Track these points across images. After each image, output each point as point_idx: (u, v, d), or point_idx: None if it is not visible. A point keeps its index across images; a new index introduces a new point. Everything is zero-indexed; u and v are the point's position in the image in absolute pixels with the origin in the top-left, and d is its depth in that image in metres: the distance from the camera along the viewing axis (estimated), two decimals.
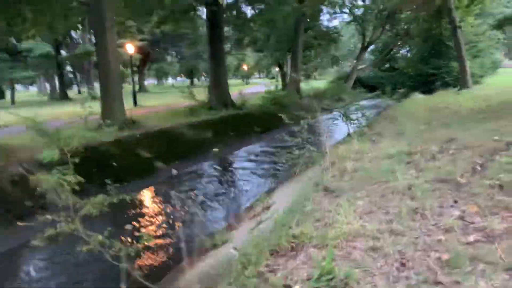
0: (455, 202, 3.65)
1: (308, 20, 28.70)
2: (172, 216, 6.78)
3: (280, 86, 29.93)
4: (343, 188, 4.32)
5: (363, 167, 5.07)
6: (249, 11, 19.29)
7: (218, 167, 10.82)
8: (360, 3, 33.69)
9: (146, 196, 8.59)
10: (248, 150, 12.91)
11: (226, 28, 21.39)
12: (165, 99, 26.25)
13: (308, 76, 78.88)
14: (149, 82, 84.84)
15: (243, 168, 10.60)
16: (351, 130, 10.65)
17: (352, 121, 10.90)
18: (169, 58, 66.72)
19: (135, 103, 20.67)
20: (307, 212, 3.66)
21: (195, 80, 75.30)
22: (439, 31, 21.04)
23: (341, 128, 11.38)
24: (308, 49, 32.33)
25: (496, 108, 9.96)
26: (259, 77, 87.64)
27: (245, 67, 59.40)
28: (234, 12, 17.70)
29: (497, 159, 4.65)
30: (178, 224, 6.35)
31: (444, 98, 14.57)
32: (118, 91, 11.62)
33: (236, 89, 31.04)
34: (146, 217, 7.01)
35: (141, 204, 7.88)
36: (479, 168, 4.53)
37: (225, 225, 5.96)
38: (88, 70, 37.34)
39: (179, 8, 14.11)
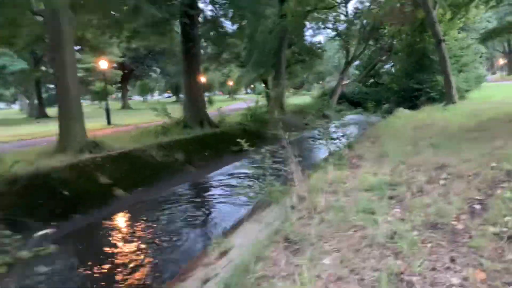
0: (452, 261, 2.74)
1: (291, 36, 28.29)
2: (107, 264, 5.70)
3: (263, 102, 29.17)
4: (308, 237, 3.37)
5: (338, 204, 4.15)
6: (229, 26, 18.51)
7: (183, 194, 9.79)
8: (343, 18, 33.45)
9: (84, 237, 7.37)
10: (222, 172, 11.93)
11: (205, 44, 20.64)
12: (145, 116, 25.18)
13: (295, 92, 79.11)
14: (136, 98, 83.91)
15: (211, 196, 9.61)
16: (332, 150, 9.82)
17: (333, 140, 10.04)
18: (154, 75, 65.87)
19: (108, 122, 19.64)
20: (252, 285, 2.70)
21: (182, 96, 74.63)
22: (423, 45, 20.57)
23: (321, 148, 10.50)
24: (293, 65, 31.81)
25: (487, 125, 9.21)
26: (247, 93, 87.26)
27: (231, 82, 58.90)
28: (211, 26, 16.87)
29: (499, 194, 3.78)
30: (116, 274, 5.29)
31: (430, 114, 13.88)
32: (77, 110, 10.59)
33: (223, 105, 30.19)
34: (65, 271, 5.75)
35: (71, 250, 6.70)
36: (478, 207, 3.64)
37: (172, 274, 4.93)
38: None
39: (149, 21, 13.23)
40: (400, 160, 6.44)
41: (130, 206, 8.67)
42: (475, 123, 10.01)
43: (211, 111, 18.33)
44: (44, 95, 45.93)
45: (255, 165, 12.76)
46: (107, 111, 19.88)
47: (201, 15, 16.77)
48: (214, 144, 13.75)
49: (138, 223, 7.61)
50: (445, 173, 4.89)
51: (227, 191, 9.79)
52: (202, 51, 17.64)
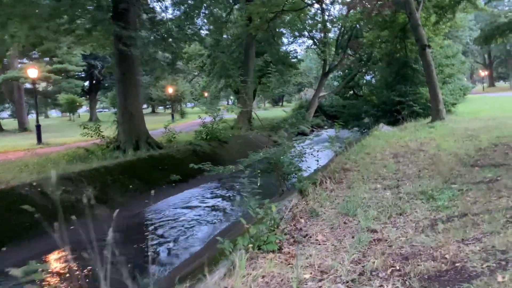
0: None
1: (261, 43, 25.80)
2: None
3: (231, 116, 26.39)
4: None
5: None
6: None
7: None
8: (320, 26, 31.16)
9: None
10: (151, 210, 9.13)
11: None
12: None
13: (275, 103, 76.85)
14: (110, 111, 79.96)
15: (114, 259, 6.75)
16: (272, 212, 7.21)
17: (287, 178, 7.39)
18: None
19: (39, 139, 16.56)
20: None
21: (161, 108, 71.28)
22: (404, 53, 18.25)
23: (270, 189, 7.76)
24: (267, 75, 29.22)
25: (493, 156, 6.67)
26: (228, 104, 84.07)
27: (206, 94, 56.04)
28: (150, 27, 14.10)
29: None
30: None
31: (415, 133, 11.38)
32: None
33: (195, 117, 27.15)
34: None
35: None
36: None
37: None
38: (19, 99, 32.59)
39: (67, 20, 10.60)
40: (371, 229, 3.80)
41: None
42: (475, 150, 7.48)
43: (179, 125, 15.47)
44: None
45: (197, 200, 10.07)
46: (37, 127, 16.73)
47: (145, 15, 14.04)
48: (148, 172, 10.91)
49: None
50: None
51: (144, 246, 6.95)
52: (150, 57, 14.76)
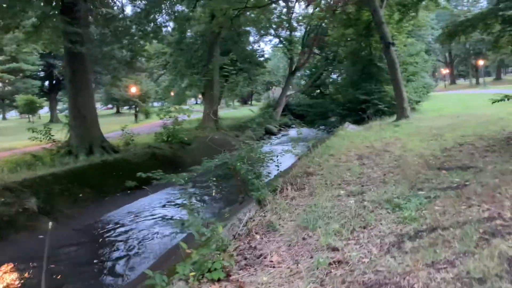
0: None
1: (227, 41, 25.18)
2: None
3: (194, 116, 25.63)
4: None
5: None
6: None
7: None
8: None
9: None
10: (101, 222, 8.39)
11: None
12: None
13: (244, 102, 76.23)
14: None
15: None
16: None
17: (248, 184, 6.84)
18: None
19: None
20: None
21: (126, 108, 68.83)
22: (369, 51, 18.17)
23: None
24: (234, 74, 28.59)
25: (460, 157, 6.42)
26: (196, 103, 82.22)
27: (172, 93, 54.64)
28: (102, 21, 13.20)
29: None
30: None
31: (380, 133, 11.16)
32: None
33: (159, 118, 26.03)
34: None
35: None
36: None
37: None
38: None
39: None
40: (332, 247, 3.36)
41: None
42: (441, 151, 7.24)
43: (143, 126, 14.54)
44: None
45: (153, 209, 9.39)
46: None
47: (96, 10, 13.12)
48: (101, 179, 10.13)
49: None
50: None
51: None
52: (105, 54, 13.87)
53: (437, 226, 3.36)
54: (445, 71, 65.48)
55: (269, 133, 26.53)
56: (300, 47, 31.13)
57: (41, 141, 12.01)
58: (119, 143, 13.78)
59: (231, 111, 47.16)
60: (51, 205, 8.38)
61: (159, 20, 16.86)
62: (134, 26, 14.50)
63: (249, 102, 74.55)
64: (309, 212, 4.48)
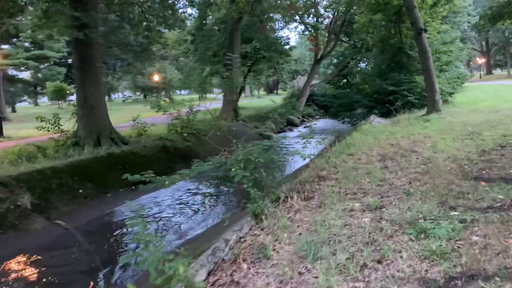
0: None
1: (249, 27, 24.22)
2: None
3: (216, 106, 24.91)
4: None
5: None
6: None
7: None
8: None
9: None
10: (99, 221, 7.86)
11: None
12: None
13: (270, 91, 75.08)
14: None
15: None
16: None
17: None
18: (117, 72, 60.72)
19: (0, 133, 15.20)
20: None
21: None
22: (399, 38, 16.86)
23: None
24: (257, 62, 27.66)
25: (502, 163, 5.40)
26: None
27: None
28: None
29: None
30: None
31: (408, 129, 10.10)
32: None
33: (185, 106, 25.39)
34: None
35: None
36: None
37: None
38: None
39: None
40: None
41: None
42: (478, 154, 6.22)
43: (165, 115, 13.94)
44: None
45: (157, 207, 8.76)
46: None
47: None
48: (104, 174, 9.60)
49: None
50: None
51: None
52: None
53: (477, 272, 2.48)
54: (480, 60, 62.00)
55: (291, 124, 25.57)
56: (327, 35, 29.82)
57: (48, 130, 11.63)
58: (131, 134, 13.26)
59: (255, 101, 46.25)
60: (46, 202, 7.89)
61: (178, 5, 16.22)
62: (148, 13, 13.85)
63: (275, 91, 73.27)
64: (312, 232, 3.67)
